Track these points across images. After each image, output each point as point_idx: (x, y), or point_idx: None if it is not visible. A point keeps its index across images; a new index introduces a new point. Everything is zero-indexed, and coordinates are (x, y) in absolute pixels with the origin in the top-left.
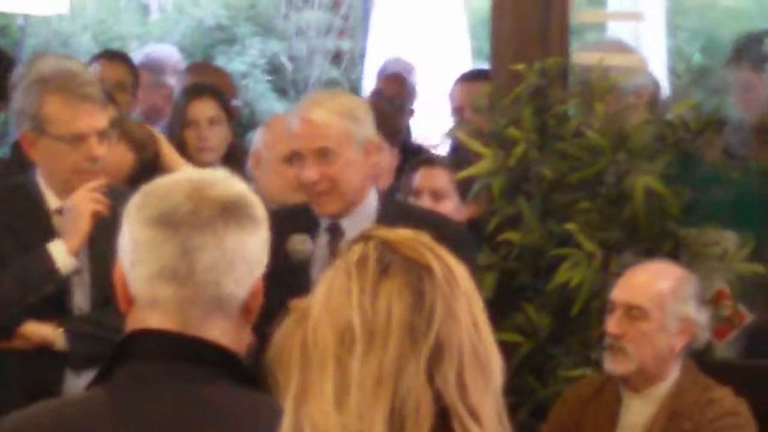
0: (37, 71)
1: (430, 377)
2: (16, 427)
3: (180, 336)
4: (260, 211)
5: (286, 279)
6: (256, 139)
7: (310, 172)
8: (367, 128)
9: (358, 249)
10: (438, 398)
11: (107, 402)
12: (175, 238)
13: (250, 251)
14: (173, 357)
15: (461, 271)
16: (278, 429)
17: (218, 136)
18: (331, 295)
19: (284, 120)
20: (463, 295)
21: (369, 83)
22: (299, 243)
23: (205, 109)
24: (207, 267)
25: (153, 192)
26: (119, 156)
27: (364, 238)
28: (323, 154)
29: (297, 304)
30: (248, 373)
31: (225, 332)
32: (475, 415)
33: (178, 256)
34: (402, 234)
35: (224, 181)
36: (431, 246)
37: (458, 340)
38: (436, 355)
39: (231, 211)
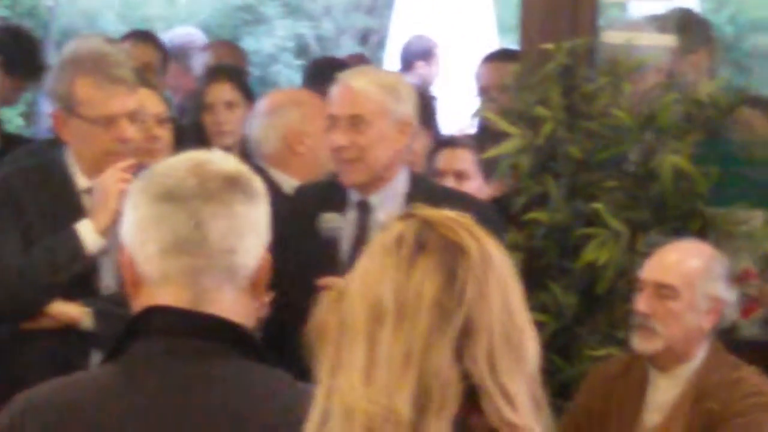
0: (71, 52)
1: (459, 356)
2: (28, 404)
3: (191, 312)
4: (261, 186)
5: (316, 256)
6: (289, 119)
7: (340, 138)
8: (407, 107)
9: (398, 226)
10: (466, 378)
11: (118, 378)
12: (186, 210)
13: (257, 222)
14: (184, 333)
15: (499, 255)
16: (289, 403)
17: (236, 120)
18: (368, 271)
19: (310, 94)
20: (497, 279)
21: (391, 61)
22: (330, 221)
23: (222, 92)
24: (219, 236)
25: (155, 173)
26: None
27: (406, 216)
28: (355, 122)
29: (329, 281)
30: (260, 348)
31: (235, 304)
32: (507, 396)
33: (190, 228)
34: (443, 214)
35: (223, 158)
36: (471, 228)
37: (488, 322)
38: (465, 335)
39: (235, 183)
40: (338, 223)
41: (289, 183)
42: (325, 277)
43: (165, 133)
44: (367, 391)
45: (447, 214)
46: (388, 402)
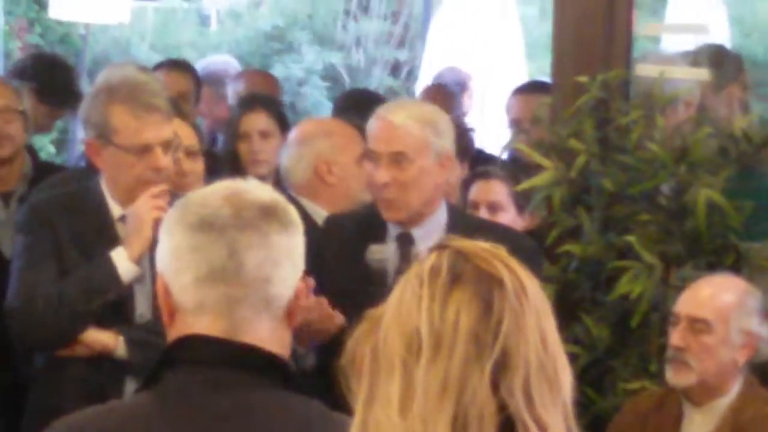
0: (105, 80)
1: (495, 387)
2: (65, 431)
3: (227, 341)
4: (296, 216)
5: (365, 287)
6: (319, 149)
7: (383, 175)
8: (446, 141)
9: (432, 257)
10: (502, 408)
11: (154, 408)
12: (221, 239)
13: (293, 252)
14: (220, 363)
15: (533, 286)
16: None
17: (271, 149)
18: (402, 302)
19: (341, 124)
20: (532, 310)
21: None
22: (378, 252)
23: (256, 121)
24: (255, 265)
25: (190, 201)
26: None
27: (440, 247)
28: (398, 159)
29: (372, 312)
30: (295, 378)
31: (271, 334)
32: (543, 428)
33: (225, 257)
34: (477, 245)
35: (258, 187)
36: (505, 259)
37: (525, 353)
38: (502, 367)
39: (271, 213)
40: (386, 255)
41: (318, 213)
42: (374, 307)
43: (196, 166)
44: (403, 423)
45: (481, 245)
46: None
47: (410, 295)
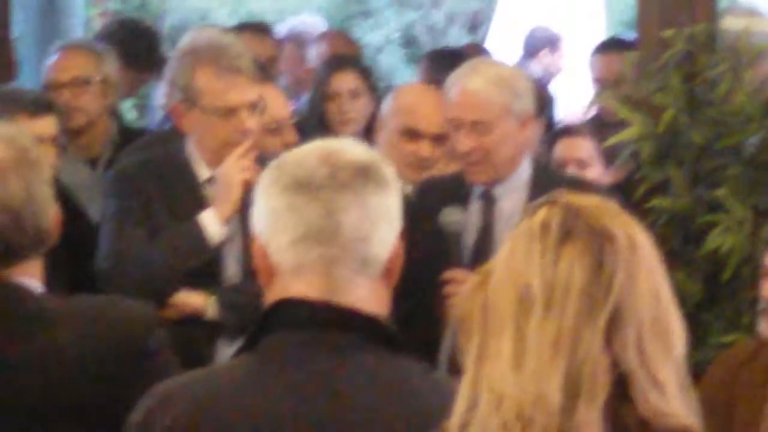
0: (190, 43)
1: (608, 344)
2: (165, 396)
3: (326, 304)
4: (392, 175)
5: (440, 249)
6: (384, 106)
7: (465, 142)
8: (526, 101)
9: (542, 212)
10: (615, 365)
11: (255, 371)
12: (318, 200)
13: (389, 211)
14: (320, 325)
15: (645, 241)
16: (426, 393)
17: (359, 109)
18: (513, 257)
19: (408, 92)
20: (644, 264)
21: (492, 45)
22: (452, 215)
23: (346, 81)
24: (353, 226)
25: (286, 162)
26: None
27: (550, 202)
28: (478, 126)
29: (453, 274)
30: (395, 338)
31: (370, 294)
32: (656, 383)
33: (322, 217)
34: (587, 200)
35: (354, 147)
36: (616, 213)
37: (637, 309)
38: (614, 322)
39: (367, 173)
40: (460, 217)
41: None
42: (448, 270)
43: (289, 138)
44: (516, 379)
45: (592, 201)
46: (538, 389)
47: (521, 250)
